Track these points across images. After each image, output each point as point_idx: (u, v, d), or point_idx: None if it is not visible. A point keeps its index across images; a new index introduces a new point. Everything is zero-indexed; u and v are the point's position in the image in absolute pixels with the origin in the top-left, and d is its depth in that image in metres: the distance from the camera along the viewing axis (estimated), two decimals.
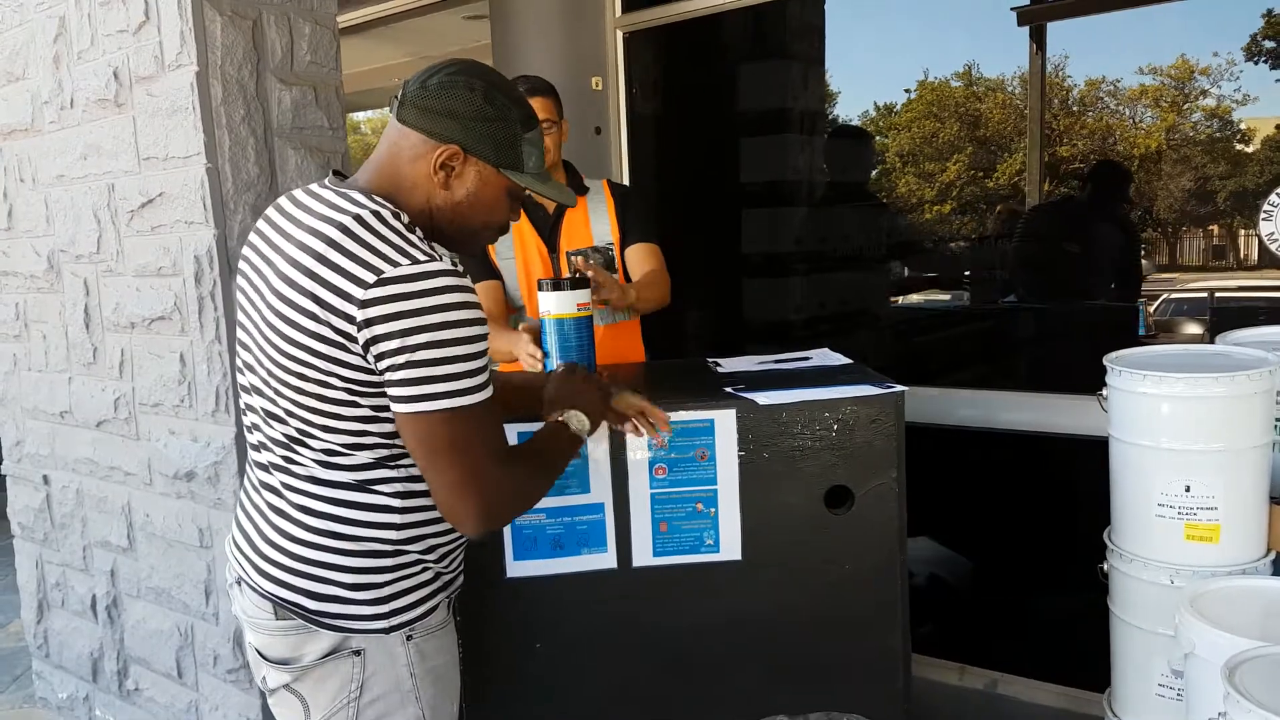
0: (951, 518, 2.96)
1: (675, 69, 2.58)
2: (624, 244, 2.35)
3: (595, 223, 2.34)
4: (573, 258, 2.31)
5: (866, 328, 3.42)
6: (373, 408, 1.21)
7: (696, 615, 1.73)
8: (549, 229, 2.34)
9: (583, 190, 2.37)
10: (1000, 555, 2.95)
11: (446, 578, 1.38)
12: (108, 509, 2.50)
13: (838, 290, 3.39)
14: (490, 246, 2.31)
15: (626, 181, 3.11)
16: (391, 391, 1.18)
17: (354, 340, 1.15)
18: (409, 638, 1.31)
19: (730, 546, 1.71)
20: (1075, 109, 2.99)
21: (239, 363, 1.32)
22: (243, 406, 1.35)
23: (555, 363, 1.80)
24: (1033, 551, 2.81)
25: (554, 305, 1.79)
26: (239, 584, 1.35)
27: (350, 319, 1.15)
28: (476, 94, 1.24)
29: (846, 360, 2.02)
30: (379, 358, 1.16)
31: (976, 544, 3.03)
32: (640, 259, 2.36)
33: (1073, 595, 2.52)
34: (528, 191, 1.34)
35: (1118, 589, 1.94)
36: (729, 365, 2.04)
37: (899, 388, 1.71)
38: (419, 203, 1.27)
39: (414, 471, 1.26)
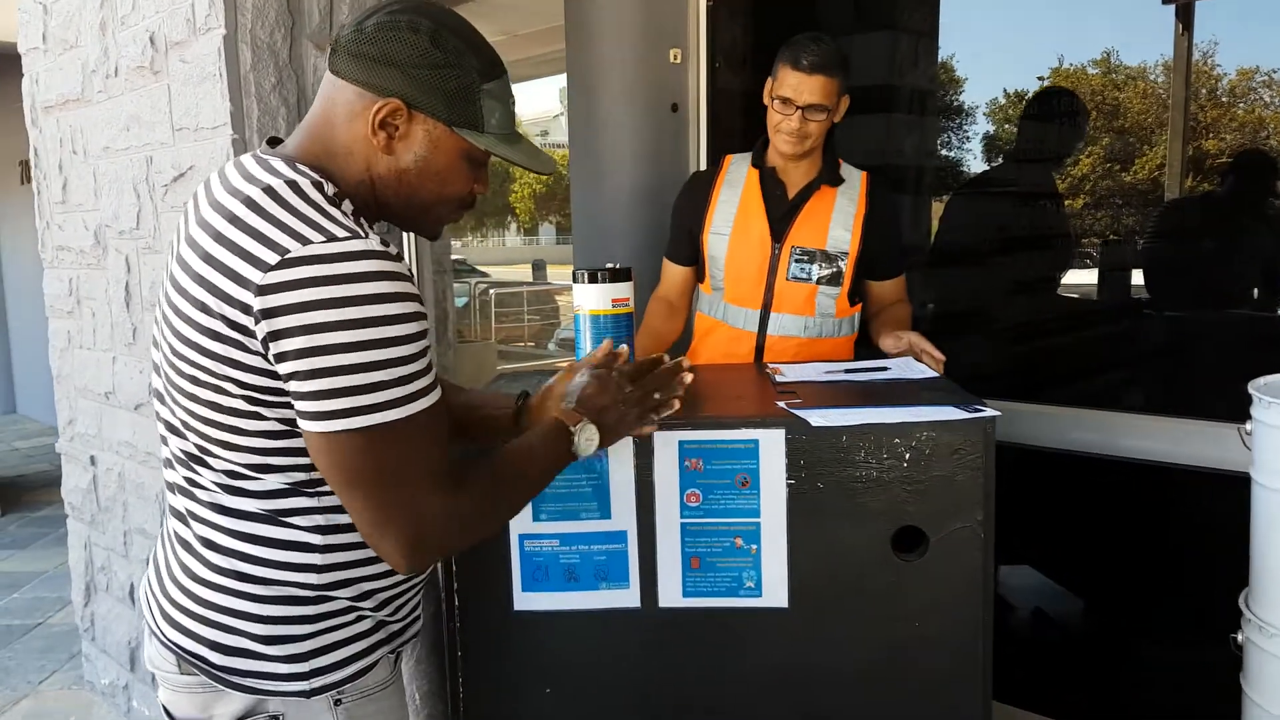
0: (1060, 550, 2.61)
1: (765, 41, 2.31)
2: (872, 272, 2.12)
3: (836, 225, 2.06)
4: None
5: (975, 331, 3.07)
6: (280, 421, 0.99)
7: (732, 669, 1.48)
8: (781, 216, 2.08)
9: (836, 181, 2.08)
10: (1113, 597, 2.58)
11: (393, 628, 1.16)
12: (145, 495, 2.42)
13: (942, 288, 3.06)
14: (707, 218, 2.13)
15: (704, 164, 2.85)
16: (298, 405, 0.95)
17: (251, 335, 0.94)
18: (337, 702, 1.09)
19: (774, 591, 1.45)
20: (1224, 100, 2.69)
21: (151, 363, 1.12)
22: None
23: None
24: (1152, 598, 2.44)
25: (589, 299, 1.55)
26: (147, 628, 1.16)
27: (246, 309, 0.93)
28: (421, 36, 1.01)
29: (931, 373, 1.72)
30: (280, 358, 0.93)
31: (1087, 582, 2.66)
32: (889, 292, 2.16)
33: (1195, 655, 2.15)
34: (505, 160, 1.10)
35: (1254, 667, 1.59)
36: (791, 373, 1.76)
37: (990, 412, 1.41)
38: (356, 171, 1.06)
39: (339, 500, 1.03)
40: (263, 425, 0.99)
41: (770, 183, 2.11)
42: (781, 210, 2.08)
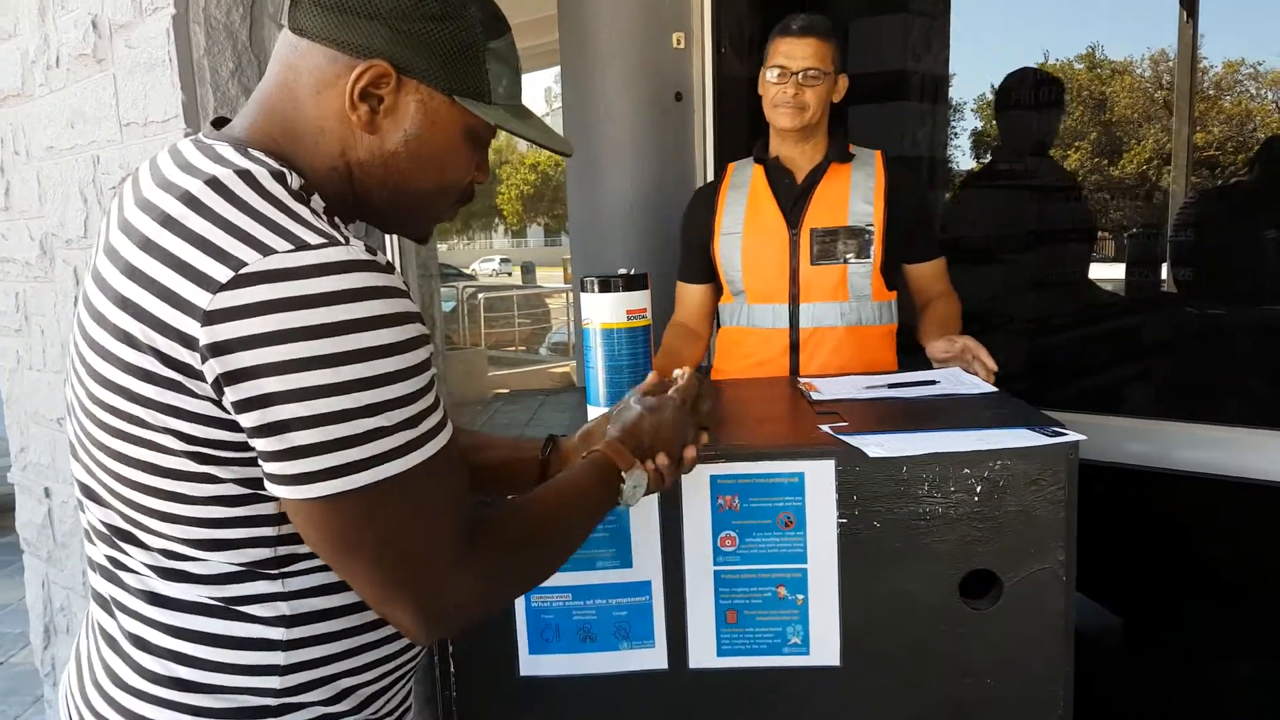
0: (1101, 566, 2.42)
1: (775, 23, 2.11)
2: (907, 252, 1.93)
3: (856, 199, 1.88)
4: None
5: (998, 331, 2.87)
6: (238, 483, 0.77)
7: None
8: (794, 200, 1.90)
9: (845, 158, 1.92)
10: (1160, 621, 2.38)
11: None
12: None
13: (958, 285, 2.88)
14: (715, 224, 1.95)
15: (711, 158, 2.64)
16: (268, 466, 0.72)
17: (197, 377, 0.71)
18: None
19: (824, 647, 1.24)
20: (1210, 92, 2.62)
21: (66, 404, 0.89)
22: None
23: (599, 388, 1.35)
24: (1205, 624, 2.24)
25: (601, 311, 1.34)
26: None
27: (189, 342, 0.70)
28: None
29: (987, 386, 1.52)
30: (241, 407, 0.71)
31: (1131, 602, 2.46)
32: (930, 279, 1.96)
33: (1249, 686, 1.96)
34: (520, 137, 0.88)
35: None
36: (827, 389, 1.55)
37: (1072, 435, 1.21)
38: (328, 157, 0.83)
39: (310, 581, 0.81)
40: (215, 490, 0.77)
41: (777, 173, 1.94)
42: (793, 196, 1.91)
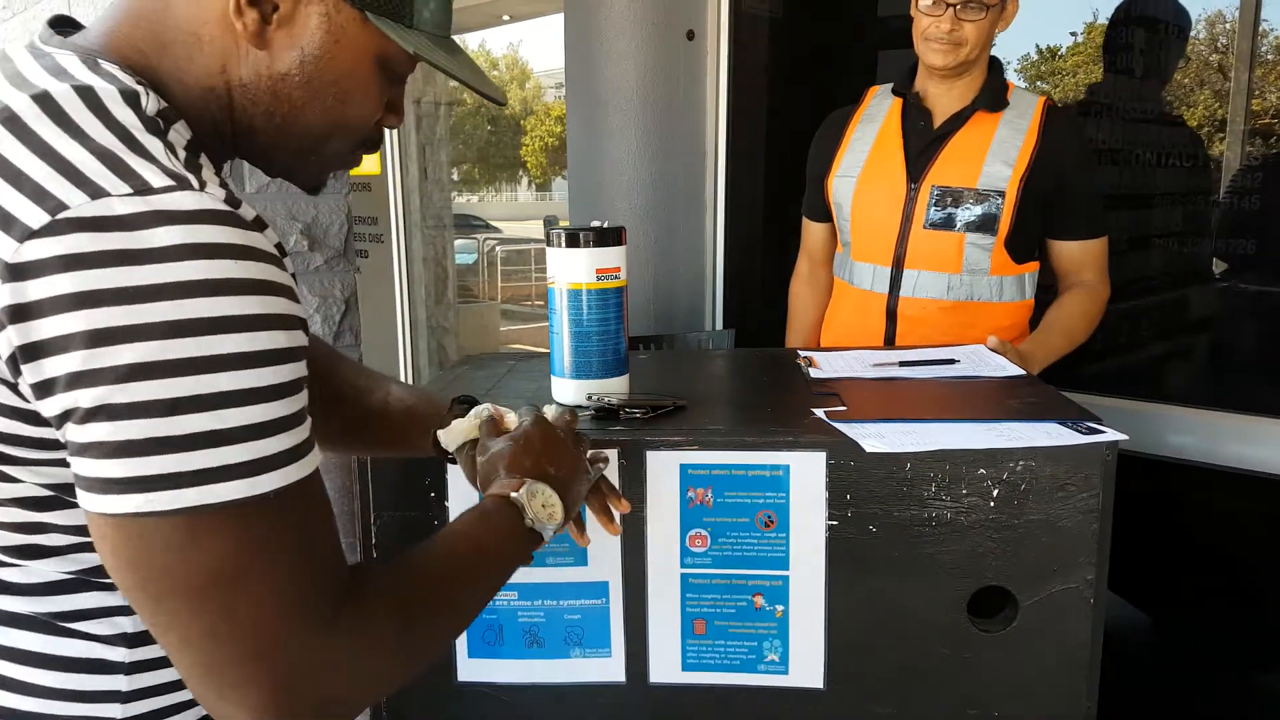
0: (1134, 563, 2.23)
1: None
2: (1050, 226, 1.67)
3: (994, 158, 1.63)
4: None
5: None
6: (46, 486, 0.62)
7: None
8: (922, 149, 1.67)
9: (997, 105, 1.65)
10: (1196, 625, 2.20)
11: None
12: None
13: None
14: (835, 160, 1.75)
15: (724, 105, 2.43)
16: (75, 464, 0.56)
17: None
18: None
19: (806, 667, 1.07)
20: (1270, 57, 2.38)
21: None
22: None
23: (564, 357, 1.18)
24: (1243, 632, 2.06)
25: (565, 268, 1.16)
26: None
27: None
28: None
29: (1014, 369, 1.33)
30: (43, 389, 0.55)
31: (1166, 604, 2.28)
32: (1072, 262, 1.69)
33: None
34: (442, 70, 0.72)
35: None
36: (829, 365, 1.37)
37: (1111, 434, 1.02)
38: (203, 74, 0.68)
39: None
40: (16, 491, 0.62)
41: (914, 113, 1.70)
42: (923, 143, 1.67)
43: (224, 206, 0.58)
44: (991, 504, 1.02)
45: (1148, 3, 2.35)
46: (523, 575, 1.05)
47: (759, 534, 1.05)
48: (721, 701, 1.09)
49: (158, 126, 0.62)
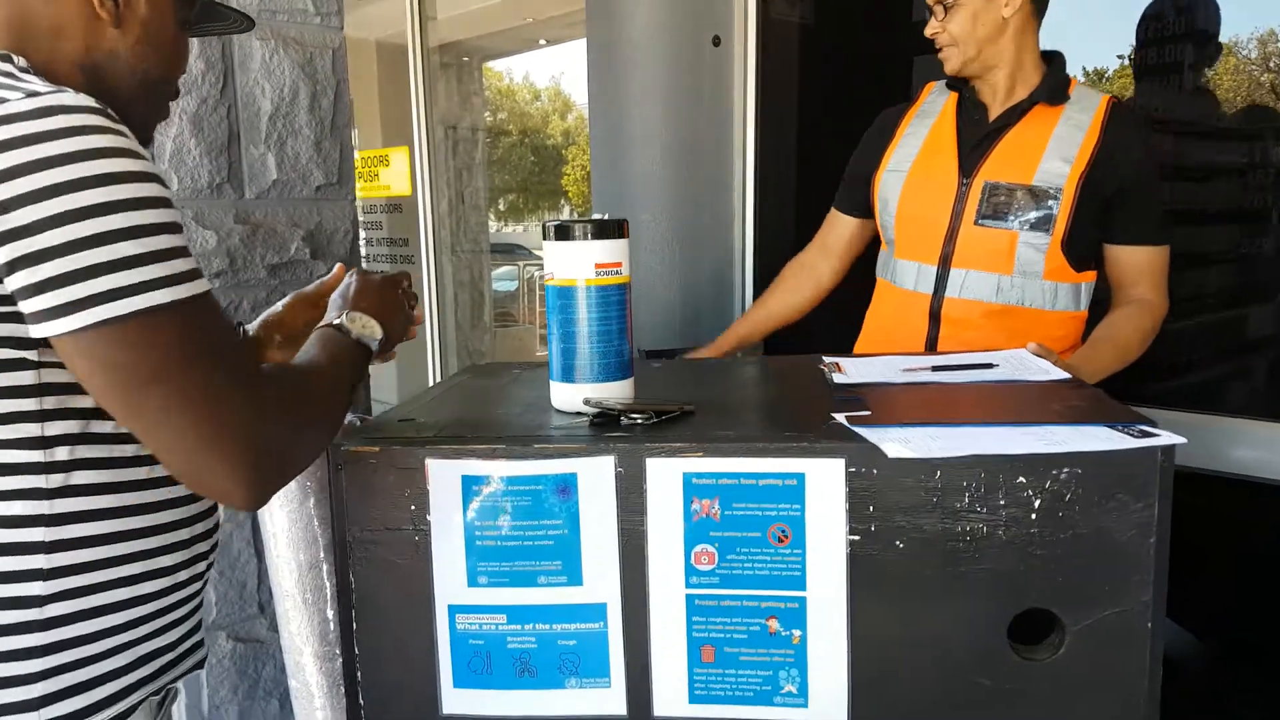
0: (1189, 584, 2.07)
1: None
2: (1109, 230, 1.55)
3: (1052, 155, 1.52)
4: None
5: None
6: None
7: None
8: (976, 144, 1.58)
9: (1057, 99, 1.55)
10: (1256, 650, 2.03)
11: (160, 659, 0.88)
12: None
13: None
14: (886, 154, 1.68)
15: (752, 112, 2.35)
16: (27, 304, 0.72)
17: None
18: None
19: (828, 700, 0.96)
20: None
21: None
22: None
23: (558, 360, 1.09)
24: None
25: (561, 263, 1.08)
26: None
27: None
28: None
29: (1059, 373, 1.21)
30: None
31: (1222, 628, 2.12)
32: (1130, 270, 1.56)
33: None
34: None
35: None
36: (854, 371, 1.26)
37: (1168, 437, 0.90)
38: (72, 57, 0.86)
39: (83, 454, 0.79)
40: None
41: (970, 107, 1.61)
42: (978, 137, 1.57)
43: (99, 105, 0.75)
44: (1033, 516, 0.91)
45: (1194, 17, 2.22)
46: (511, 596, 0.96)
47: (772, 550, 0.94)
48: None
49: (30, 72, 0.80)
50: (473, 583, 0.98)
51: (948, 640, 0.94)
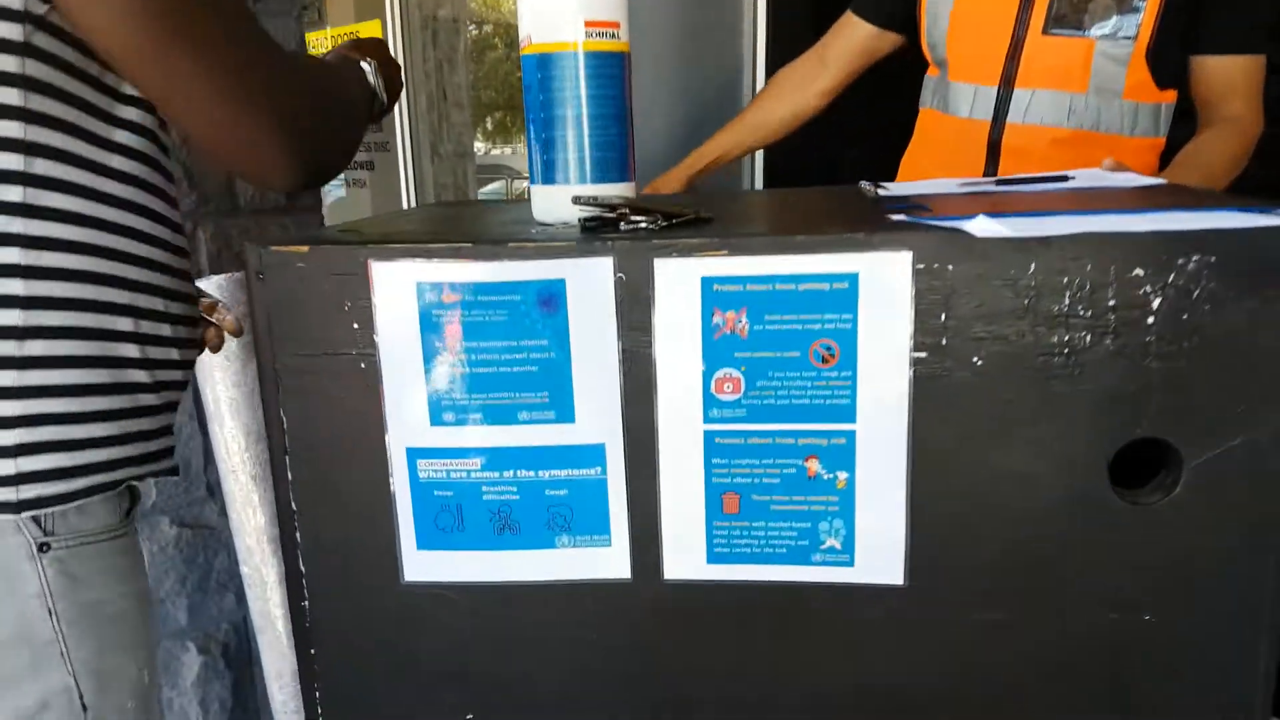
0: None
1: None
2: (1198, 38, 1.32)
3: None
4: None
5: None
6: None
7: (802, 699, 0.82)
8: None
9: None
10: None
11: (121, 448, 0.76)
12: None
13: None
14: None
15: (763, 43, 2.06)
16: None
17: None
18: (44, 547, 0.71)
19: (880, 557, 0.77)
20: None
21: None
22: None
23: (537, 155, 0.88)
24: None
25: (542, 23, 0.85)
26: None
27: None
28: None
29: (1149, 179, 1.00)
30: None
31: None
32: (1221, 85, 1.33)
33: None
34: None
35: None
36: (900, 188, 1.05)
37: None
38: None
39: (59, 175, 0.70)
40: None
41: None
42: None
43: None
44: (1150, 320, 0.71)
45: None
46: (487, 436, 0.77)
47: (814, 373, 0.75)
48: (761, 604, 0.80)
49: None
50: (437, 421, 0.78)
51: (1033, 482, 0.75)
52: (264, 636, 1.06)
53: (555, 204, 0.87)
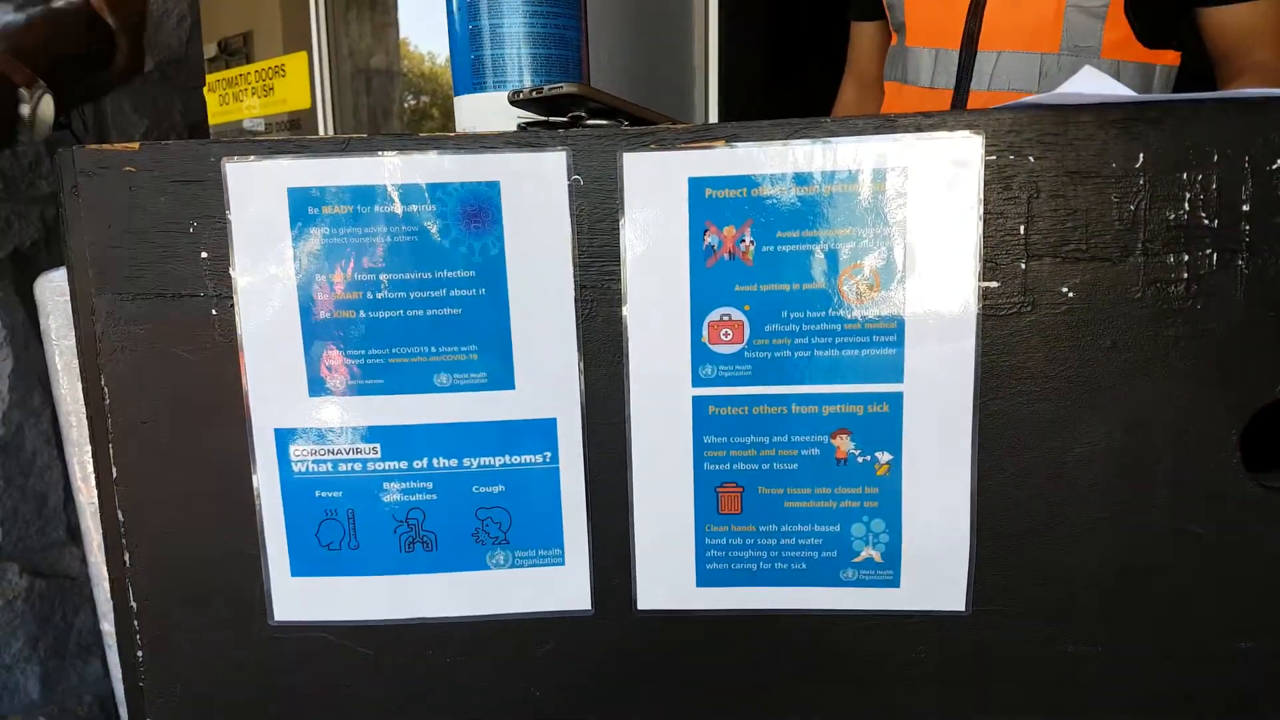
0: None
1: None
2: None
3: None
4: None
5: None
6: None
7: None
8: None
9: None
10: None
11: None
12: None
13: None
14: None
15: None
16: None
17: None
18: None
19: (934, 572, 0.56)
20: None
21: None
22: None
23: (468, 63, 0.67)
24: None
25: None
26: None
27: None
28: None
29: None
30: None
31: None
32: (1237, 31, 1.16)
33: None
34: None
35: None
36: None
37: None
38: None
39: None
40: None
41: None
42: None
43: None
44: None
45: None
46: (389, 410, 0.55)
47: (846, 313, 0.54)
48: (771, 643, 0.58)
49: None
50: (317, 389, 0.55)
51: (1138, 463, 0.55)
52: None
53: (486, 116, 0.66)
